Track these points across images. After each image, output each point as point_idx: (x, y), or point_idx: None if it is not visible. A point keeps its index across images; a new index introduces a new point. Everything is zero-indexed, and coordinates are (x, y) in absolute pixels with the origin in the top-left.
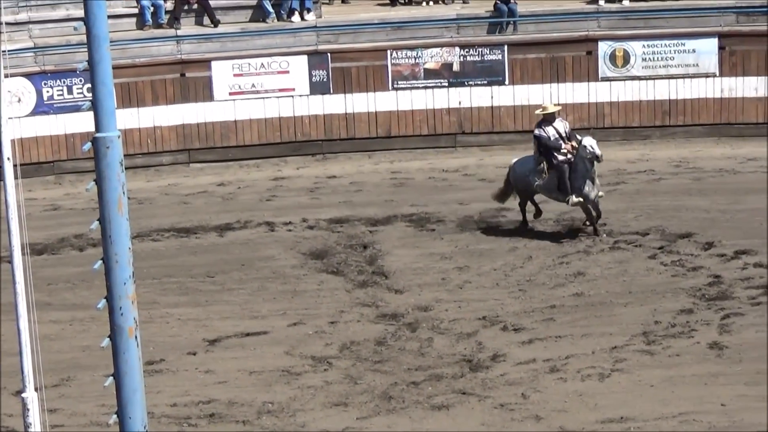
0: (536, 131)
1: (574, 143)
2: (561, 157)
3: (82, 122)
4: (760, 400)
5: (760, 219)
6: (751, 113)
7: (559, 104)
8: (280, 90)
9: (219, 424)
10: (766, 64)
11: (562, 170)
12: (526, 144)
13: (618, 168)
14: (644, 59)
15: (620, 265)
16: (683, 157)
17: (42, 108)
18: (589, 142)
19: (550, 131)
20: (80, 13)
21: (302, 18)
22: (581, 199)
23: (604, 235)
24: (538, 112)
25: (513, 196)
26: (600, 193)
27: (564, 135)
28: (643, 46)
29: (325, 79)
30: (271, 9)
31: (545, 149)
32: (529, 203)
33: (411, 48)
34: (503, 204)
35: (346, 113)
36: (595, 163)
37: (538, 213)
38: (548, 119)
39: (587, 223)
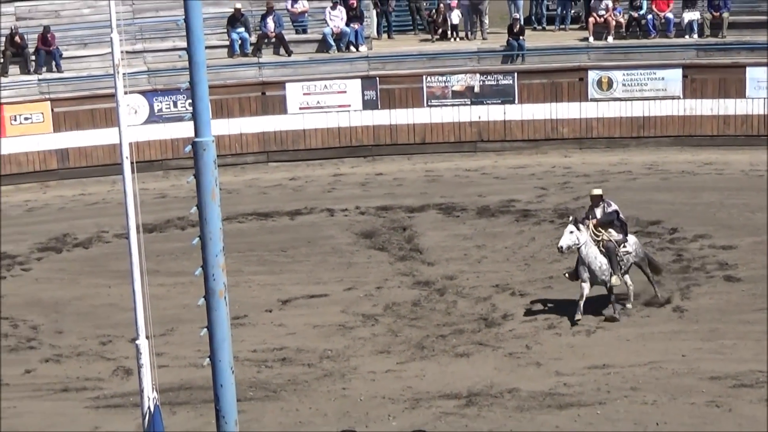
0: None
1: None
2: None
3: (185, 130)
4: (712, 352)
5: (714, 210)
6: (707, 128)
7: (600, 189)
8: (339, 106)
9: (289, 366)
10: (719, 89)
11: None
12: (530, 150)
13: (603, 170)
14: (624, 84)
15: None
16: (654, 162)
17: (153, 118)
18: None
19: (591, 213)
20: (184, 44)
21: (357, 50)
22: (574, 279)
23: (618, 311)
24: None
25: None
26: (609, 279)
27: (593, 219)
28: (624, 74)
29: (374, 98)
30: (332, 42)
31: None
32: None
33: (442, 74)
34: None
35: (390, 124)
36: (598, 249)
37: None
38: (594, 202)
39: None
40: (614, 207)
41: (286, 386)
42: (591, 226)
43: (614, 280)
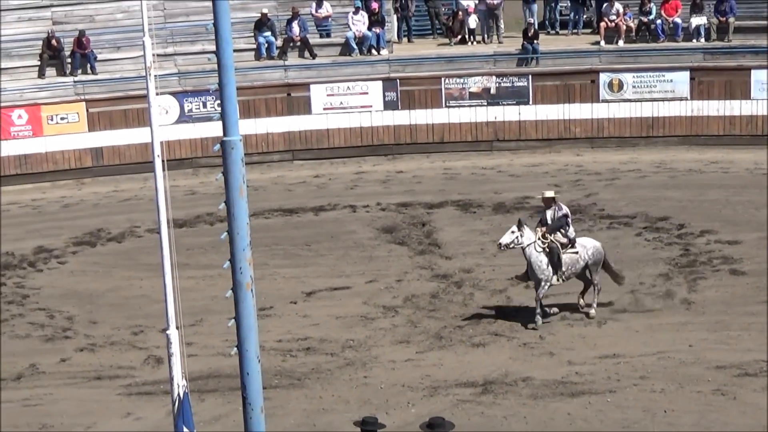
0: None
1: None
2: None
3: (213, 129)
4: (717, 343)
5: (720, 207)
6: (713, 128)
7: (552, 191)
8: (361, 106)
9: (313, 355)
10: (725, 90)
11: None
12: (544, 149)
13: (613, 168)
14: (634, 86)
15: (614, 240)
16: (662, 160)
17: (183, 118)
18: None
19: (543, 216)
20: (213, 47)
21: (378, 53)
22: (523, 280)
23: (538, 319)
24: (538, 196)
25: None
26: (549, 279)
27: (546, 221)
28: (633, 76)
29: (394, 99)
30: (355, 46)
31: None
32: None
33: (459, 76)
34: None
35: (410, 124)
36: (541, 251)
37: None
38: (546, 204)
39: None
40: (564, 210)
41: (310, 374)
42: (539, 233)
43: (554, 280)
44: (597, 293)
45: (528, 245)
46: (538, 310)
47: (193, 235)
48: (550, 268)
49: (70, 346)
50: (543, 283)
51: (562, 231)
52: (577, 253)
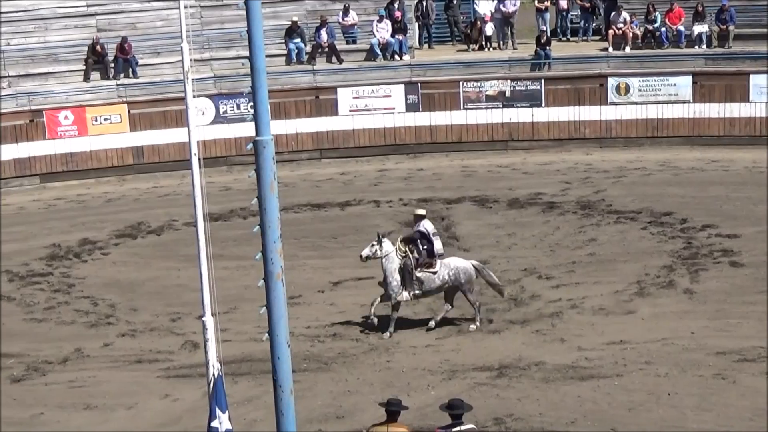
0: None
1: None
2: None
3: (247, 129)
4: (718, 330)
5: (720, 203)
6: (714, 129)
7: (423, 210)
8: (385, 108)
9: (339, 341)
10: (725, 94)
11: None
12: (556, 148)
13: (620, 166)
14: (640, 90)
15: (621, 234)
16: (666, 159)
17: (219, 119)
18: None
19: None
20: (246, 53)
21: (401, 58)
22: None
23: (391, 328)
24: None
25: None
26: (397, 294)
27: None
28: (639, 80)
29: (416, 101)
30: (379, 51)
31: None
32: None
33: (476, 80)
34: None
35: (430, 125)
36: (397, 266)
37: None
38: (414, 220)
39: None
40: (421, 229)
41: (337, 359)
42: (398, 241)
43: (404, 295)
44: (477, 311)
45: (384, 257)
46: (395, 319)
47: (228, 228)
48: (400, 284)
49: (113, 332)
50: (392, 298)
51: (419, 248)
52: (435, 273)
